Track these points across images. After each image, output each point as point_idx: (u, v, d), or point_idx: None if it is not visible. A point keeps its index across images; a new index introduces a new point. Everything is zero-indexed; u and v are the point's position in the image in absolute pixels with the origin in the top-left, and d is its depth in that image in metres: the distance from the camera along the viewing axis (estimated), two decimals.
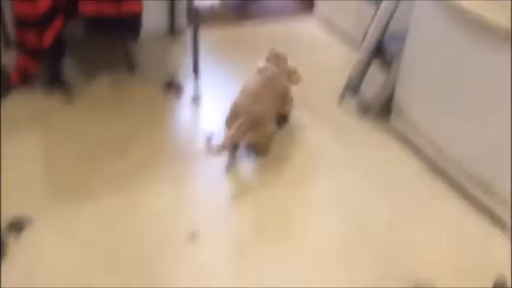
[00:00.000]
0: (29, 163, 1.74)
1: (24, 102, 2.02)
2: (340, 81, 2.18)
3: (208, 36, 2.63)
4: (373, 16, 2.07)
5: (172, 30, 2.69)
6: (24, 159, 1.75)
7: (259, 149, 1.87)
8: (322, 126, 2.06)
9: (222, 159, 1.81)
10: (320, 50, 2.66)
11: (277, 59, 2.00)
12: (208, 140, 1.77)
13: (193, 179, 1.78)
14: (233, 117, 1.77)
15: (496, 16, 1.48)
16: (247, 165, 1.83)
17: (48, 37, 1.91)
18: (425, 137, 1.85)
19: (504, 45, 1.46)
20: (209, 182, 1.74)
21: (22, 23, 1.95)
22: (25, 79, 2.06)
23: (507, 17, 1.44)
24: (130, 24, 2.05)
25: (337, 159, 1.88)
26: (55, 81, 2.10)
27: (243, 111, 1.76)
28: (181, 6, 2.67)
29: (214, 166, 1.79)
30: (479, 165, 1.64)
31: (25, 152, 1.78)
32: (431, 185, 1.78)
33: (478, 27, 1.54)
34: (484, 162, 1.62)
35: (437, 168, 1.81)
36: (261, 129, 1.79)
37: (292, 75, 2.01)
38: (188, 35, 2.42)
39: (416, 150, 1.90)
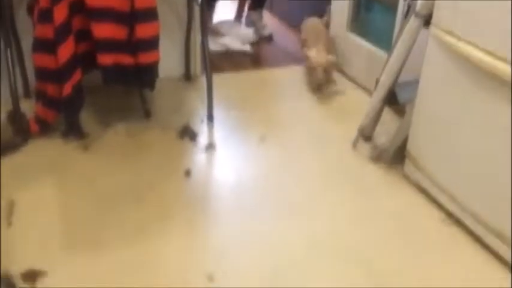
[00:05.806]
0: (43, 213, 1.76)
1: (41, 151, 2.07)
2: (353, 127, 2.20)
3: (222, 82, 2.68)
4: (385, 63, 2.10)
5: (187, 76, 2.75)
6: (39, 208, 1.78)
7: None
8: (334, 174, 2.06)
9: (237, 214, 1.82)
10: (332, 95, 2.69)
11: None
12: None
13: (209, 228, 1.77)
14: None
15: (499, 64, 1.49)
16: None
17: (68, 88, 1.96)
18: (439, 186, 1.84)
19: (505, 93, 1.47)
20: (225, 230, 1.74)
21: (42, 74, 2.01)
22: (44, 128, 2.12)
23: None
24: (147, 74, 2.10)
25: (349, 205, 1.88)
26: (72, 130, 2.14)
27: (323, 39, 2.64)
28: (196, 53, 2.74)
29: (230, 215, 1.80)
30: (493, 215, 1.63)
31: (40, 202, 1.81)
32: (447, 234, 1.76)
33: (485, 75, 1.55)
34: (499, 211, 1.61)
35: (452, 217, 1.80)
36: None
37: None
38: (203, 81, 2.47)
39: (431, 199, 1.89)
